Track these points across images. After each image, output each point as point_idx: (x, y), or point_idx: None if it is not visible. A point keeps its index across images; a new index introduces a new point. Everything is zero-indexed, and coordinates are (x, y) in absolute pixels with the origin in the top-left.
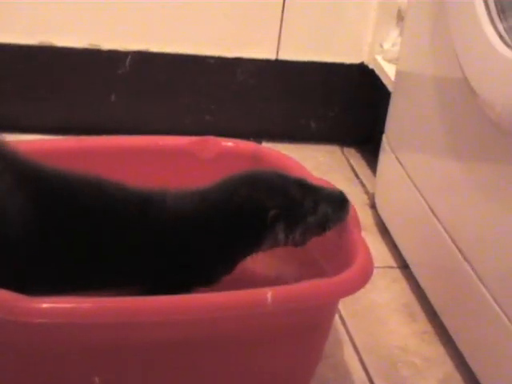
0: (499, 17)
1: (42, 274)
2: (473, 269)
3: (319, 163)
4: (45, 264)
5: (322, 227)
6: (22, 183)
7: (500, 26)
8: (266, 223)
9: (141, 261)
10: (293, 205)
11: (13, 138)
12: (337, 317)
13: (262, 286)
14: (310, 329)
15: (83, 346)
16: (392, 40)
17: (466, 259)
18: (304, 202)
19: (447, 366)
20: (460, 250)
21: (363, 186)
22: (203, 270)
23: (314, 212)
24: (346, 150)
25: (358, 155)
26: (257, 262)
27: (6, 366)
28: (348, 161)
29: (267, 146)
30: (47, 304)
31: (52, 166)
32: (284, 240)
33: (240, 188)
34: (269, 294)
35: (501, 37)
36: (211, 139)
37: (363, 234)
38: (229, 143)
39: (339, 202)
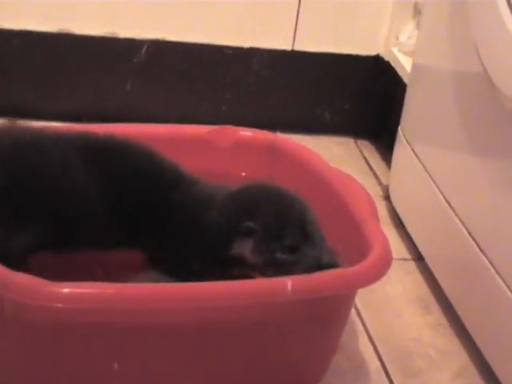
0: None
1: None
2: (489, 261)
3: (333, 155)
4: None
5: (287, 270)
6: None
7: None
8: (238, 230)
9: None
10: (275, 234)
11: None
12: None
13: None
14: (328, 318)
15: (103, 331)
16: (408, 32)
17: (482, 251)
18: (287, 238)
19: (462, 358)
20: (476, 242)
21: (377, 177)
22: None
23: (289, 252)
24: (359, 141)
25: (371, 147)
26: None
27: (27, 350)
28: (362, 153)
29: (283, 136)
30: (68, 289)
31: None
32: (249, 257)
33: (250, 193)
34: (289, 282)
35: None
36: (229, 128)
37: None
38: (247, 133)
39: (321, 267)
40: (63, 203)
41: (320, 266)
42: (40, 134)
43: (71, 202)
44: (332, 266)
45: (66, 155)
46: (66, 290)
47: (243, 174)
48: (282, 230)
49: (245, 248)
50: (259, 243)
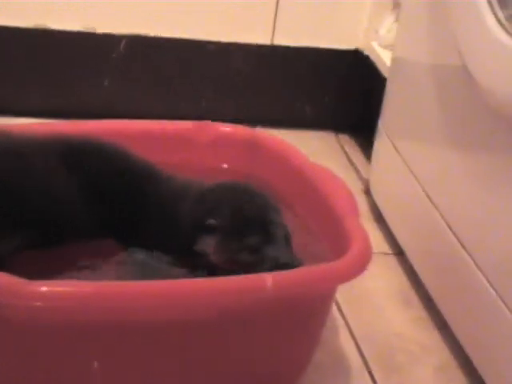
0: (499, 4)
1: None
2: (469, 255)
3: (313, 149)
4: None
5: (247, 270)
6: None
7: (500, 14)
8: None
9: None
10: (237, 233)
11: (5, 122)
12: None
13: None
14: (309, 314)
15: (82, 329)
16: (387, 26)
17: (462, 245)
18: (249, 238)
19: (443, 352)
20: (456, 237)
21: (357, 172)
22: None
23: (250, 252)
24: (340, 136)
25: (352, 141)
26: None
27: (5, 349)
28: (342, 147)
29: (263, 131)
30: (46, 287)
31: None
32: (211, 255)
33: (216, 192)
34: (269, 279)
35: (501, 24)
36: (209, 124)
37: None
38: (227, 128)
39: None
40: (46, 206)
41: (279, 268)
42: (20, 141)
43: (53, 205)
44: (291, 267)
45: (45, 160)
46: (43, 289)
47: (224, 167)
48: (244, 230)
49: (208, 245)
50: (221, 242)
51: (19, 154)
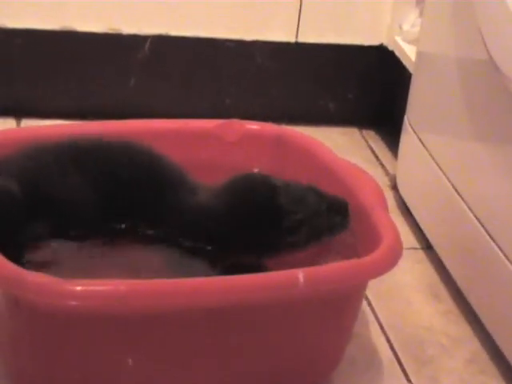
0: None
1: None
2: (499, 247)
3: (338, 145)
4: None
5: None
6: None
7: None
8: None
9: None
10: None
11: (33, 123)
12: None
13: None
14: (340, 309)
15: (116, 327)
16: (411, 21)
17: (491, 237)
18: (319, 207)
19: (474, 344)
20: (485, 229)
21: (383, 167)
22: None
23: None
24: (364, 131)
25: (376, 137)
26: None
27: (39, 348)
28: (367, 142)
29: (290, 128)
30: (81, 287)
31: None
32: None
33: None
34: (300, 274)
35: None
36: (236, 122)
37: None
38: (253, 126)
39: (344, 210)
40: (58, 199)
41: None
42: (37, 147)
43: (66, 198)
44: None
45: (58, 161)
46: (78, 288)
47: (252, 164)
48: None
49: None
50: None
51: (33, 157)
